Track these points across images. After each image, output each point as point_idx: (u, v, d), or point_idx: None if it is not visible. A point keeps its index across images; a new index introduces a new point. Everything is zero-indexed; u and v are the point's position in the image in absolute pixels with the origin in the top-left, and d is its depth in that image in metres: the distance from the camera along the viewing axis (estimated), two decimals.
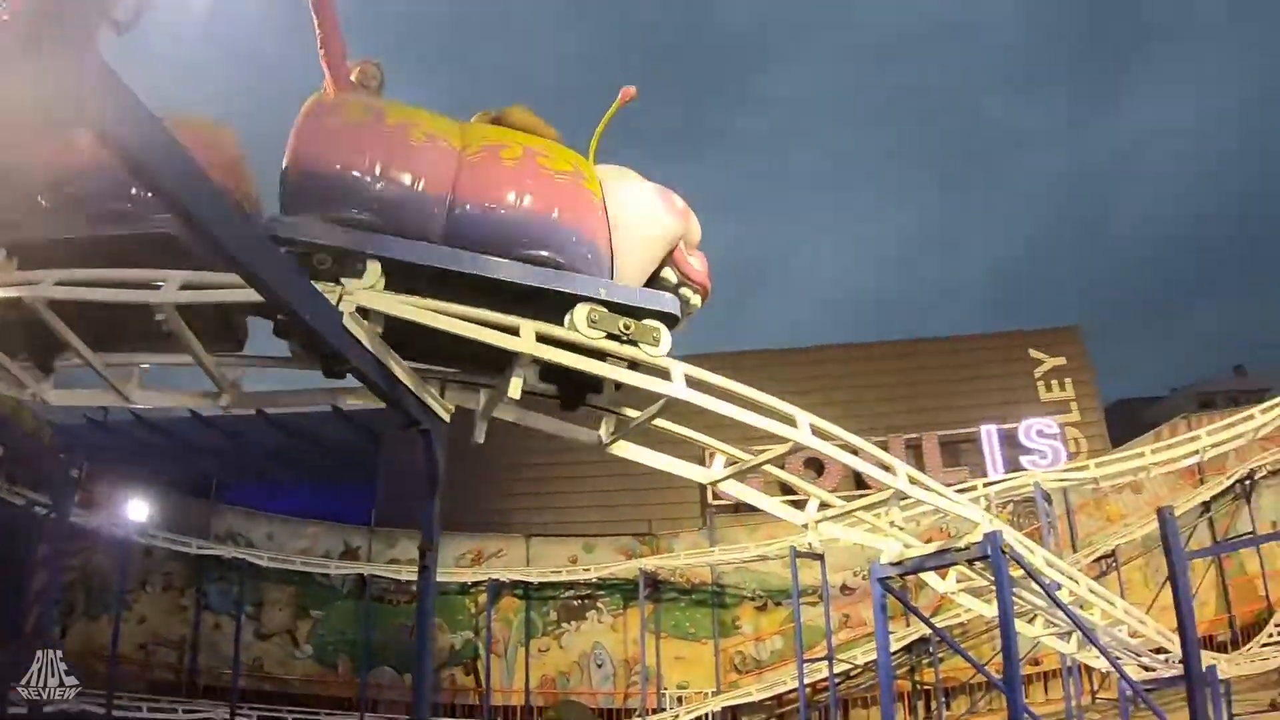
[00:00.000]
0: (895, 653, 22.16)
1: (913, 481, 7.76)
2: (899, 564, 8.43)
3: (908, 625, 21.22)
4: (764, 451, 7.64)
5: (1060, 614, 8.98)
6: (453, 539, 24.47)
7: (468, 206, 5.96)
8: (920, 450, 27.82)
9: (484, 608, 24.36)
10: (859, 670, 21.65)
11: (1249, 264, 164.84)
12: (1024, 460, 27.34)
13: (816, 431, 7.01)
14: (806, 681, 18.46)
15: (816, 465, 23.28)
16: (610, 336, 6.23)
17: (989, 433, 28.37)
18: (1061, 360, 31.22)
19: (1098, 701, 21.71)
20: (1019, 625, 10.26)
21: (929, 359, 31.01)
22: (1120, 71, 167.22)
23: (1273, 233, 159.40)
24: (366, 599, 23.88)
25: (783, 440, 7.02)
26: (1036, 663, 22.51)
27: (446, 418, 6.51)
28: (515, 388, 5.98)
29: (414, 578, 20.73)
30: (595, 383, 6.87)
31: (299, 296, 4.66)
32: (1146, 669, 11.63)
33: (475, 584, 24.51)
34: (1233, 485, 25.68)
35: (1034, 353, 31.21)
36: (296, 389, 7.07)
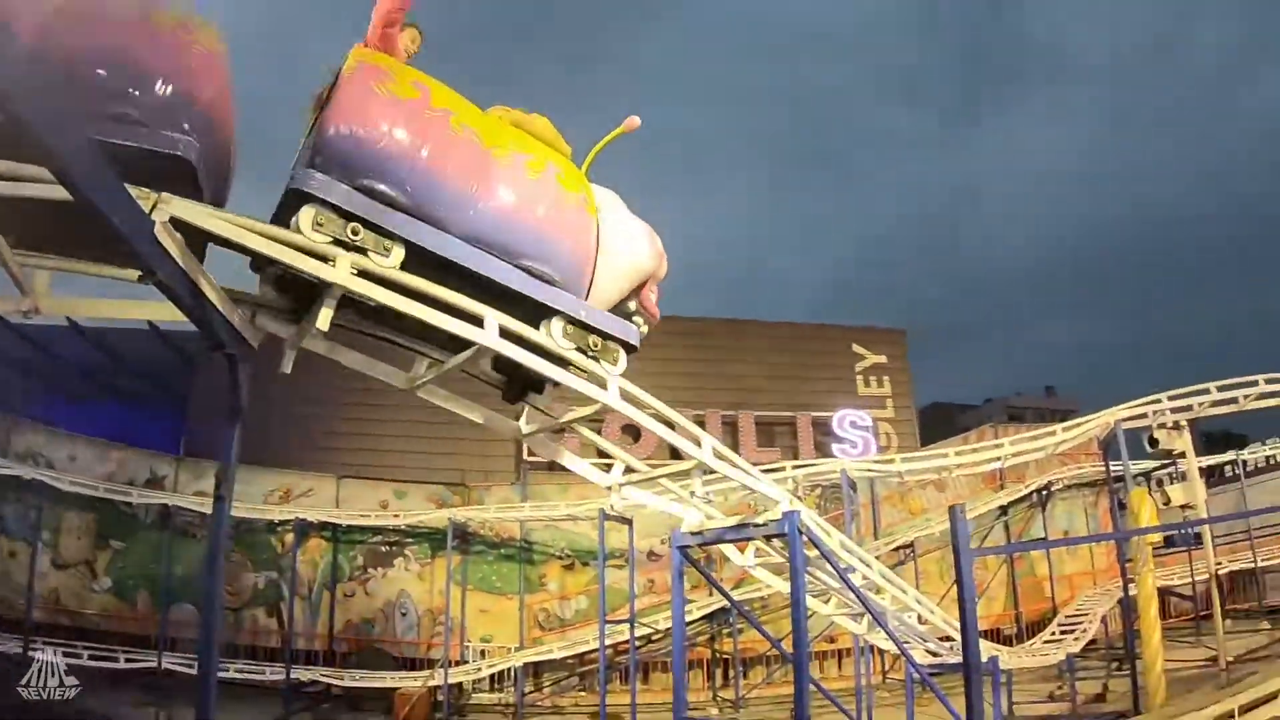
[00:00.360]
0: (696, 621, 22.55)
1: (718, 455, 7.74)
2: (699, 534, 8.46)
3: (710, 595, 21.50)
4: (573, 410, 7.57)
5: (853, 596, 9.07)
6: (263, 474, 23.43)
7: (489, 209, 6.13)
8: (736, 428, 28.39)
9: (290, 548, 23.39)
10: (660, 635, 21.80)
11: (1072, 294, 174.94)
12: (835, 449, 28.33)
13: (626, 396, 6.91)
14: (608, 643, 18.47)
15: (633, 432, 23.37)
16: (578, 349, 6.70)
17: (805, 419, 29.21)
18: (883, 359, 32.41)
19: (888, 681, 22.56)
20: (814, 603, 10.41)
21: (756, 341, 31.45)
22: (994, 98, 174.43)
23: (1097, 266, 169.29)
24: (170, 531, 22.58)
25: (592, 401, 6.86)
26: (832, 640, 23.21)
27: (254, 344, 6.20)
28: (324, 319, 5.70)
29: None
30: (540, 383, 7.26)
31: (110, 199, 4.26)
32: (933, 654, 11.96)
33: (282, 522, 23.34)
34: (1030, 494, 27.53)
35: (857, 348, 32.26)
36: (112, 299, 6.45)
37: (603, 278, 6.85)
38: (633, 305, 7.22)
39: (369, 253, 5.66)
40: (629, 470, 8.28)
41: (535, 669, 22.86)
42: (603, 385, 6.91)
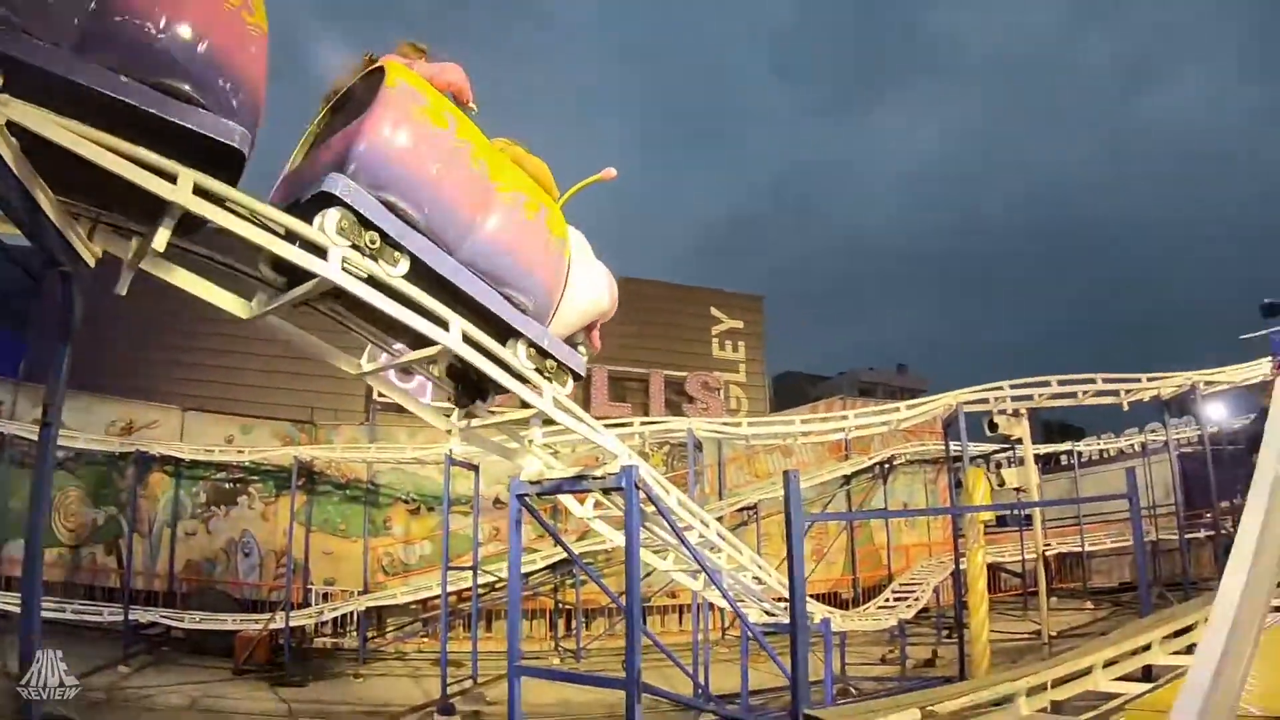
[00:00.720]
0: (540, 570, 22.53)
1: (558, 405, 7.70)
2: (538, 483, 8.40)
3: (554, 545, 21.50)
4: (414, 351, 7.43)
5: (689, 553, 9.21)
6: (105, 404, 22.41)
7: (487, 239, 6.71)
8: (590, 382, 28.27)
9: (131, 482, 22.53)
10: (503, 583, 21.73)
11: (931, 280, 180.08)
12: (686, 408, 28.51)
13: (468, 339, 6.78)
14: (452, 589, 18.29)
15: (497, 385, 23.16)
16: (536, 370, 7.50)
17: (658, 377, 29.44)
18: (739, 324, 32.80)
19: (727, 637, 22.94)
20: (652, 559, 10.51)
21: None
22: (877, 84, 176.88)
23: (957, 256, 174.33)
24: (5, 462, 21.41)
25: (433, 343, 6.74)
26: (674, 595, 23.54)
27: (91, 261, 5.93)
28: (161, 239, 5.46)
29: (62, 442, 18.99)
30: (485, 391, 7.90)
31: None
32: (769, 614, 12.22)
33: (123, 455, 22.20)
34: (873, 466, 28.37)
35: (716, 312, 32.58)
36: None
37: (566, 312, 7.69)
38: (580, 337, 8.22)
39: (379, 260, 6.05)
40: (469, 415, 8.22)
41: (378, 614, 22.36)
42: (445, 327, 6.83)
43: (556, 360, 7.71)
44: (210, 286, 6.35)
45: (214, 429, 23.48)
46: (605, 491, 8.60)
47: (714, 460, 25.74)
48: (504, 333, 7.23)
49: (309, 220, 5.80)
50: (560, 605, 24.07)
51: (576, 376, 8.06)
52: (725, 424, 22.51)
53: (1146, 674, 6.91)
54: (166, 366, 26.32)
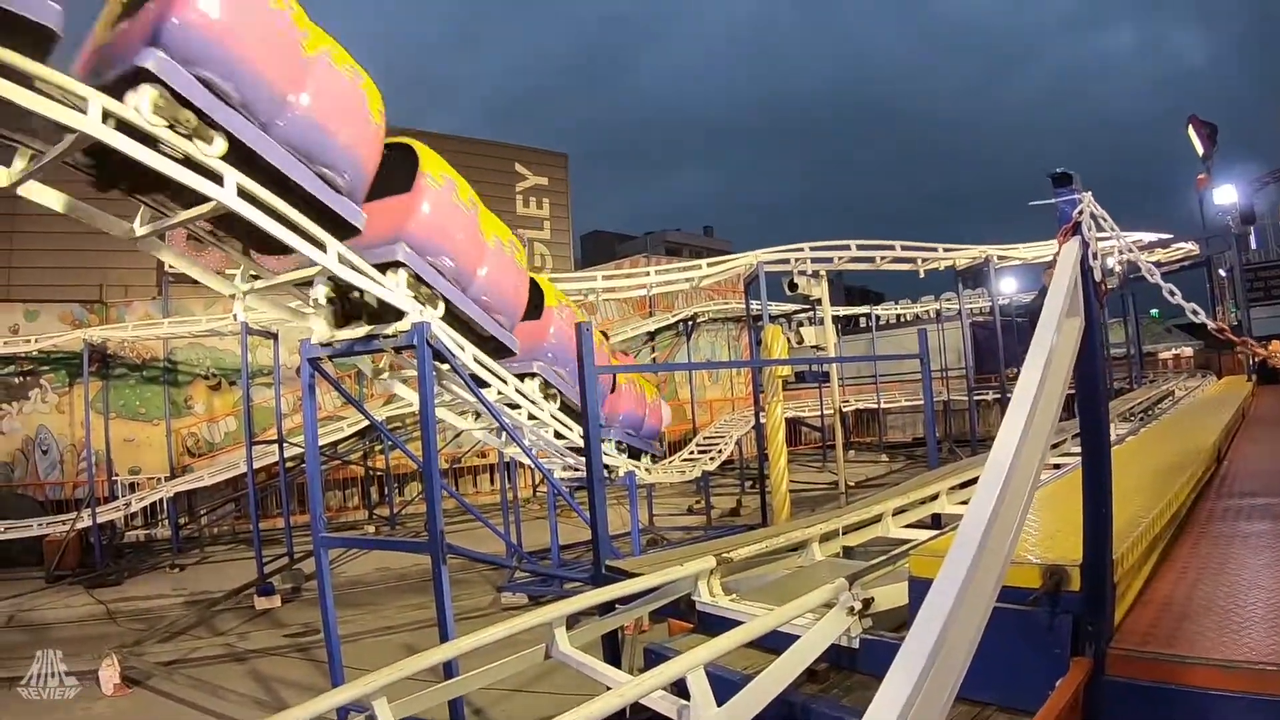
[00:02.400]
0: (349, 438, 22.15)
1: (342, 261, 7.29)
2: (329, 345, 8.03)
3: (362, 414, 21.02)
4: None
5: (488, 410, 9.07)
6: None
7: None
8: None
9: None
10: None
11: (742, 146, 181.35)
12: None
13: (244, 192, 6.31)
14: (260, 465, 17.71)
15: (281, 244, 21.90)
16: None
17: None
18: (544, 180, 32.28)
19: (539, 495, 23.22)
20: (453, 418, 10.35)
21: None
22: None
23: (769, 127, 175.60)
24: None
25: (206, 199, 6.29)
26: (484, 455, 23.61)
27: None
28: None
29: None
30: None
31: None
32: (574, 469, 12.27)
33: None
34: (676, 323, 28.80)
35: (519, 168, 31.86)
36: None
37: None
38: None
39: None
40: (255, 277, 7.81)
41: (189, 499, 21.53)
42: (219, 181, 6.39)
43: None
44: None
45: None
46: (399, 351, 8.30)
47: None
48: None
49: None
50: (372, 472, 23.76)
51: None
52: None
53: (935, 522, 7.20)
54: None
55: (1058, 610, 3.28)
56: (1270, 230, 41.35)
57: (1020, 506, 2.32)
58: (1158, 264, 19.05)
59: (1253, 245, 38.26)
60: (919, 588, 3.70)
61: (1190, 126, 39.92)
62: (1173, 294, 3.68)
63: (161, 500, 20.30)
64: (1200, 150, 38.73)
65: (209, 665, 11.03)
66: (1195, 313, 3.75)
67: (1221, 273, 32.40)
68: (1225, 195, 33.03)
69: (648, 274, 22.19)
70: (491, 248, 9.05)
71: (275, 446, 16.68)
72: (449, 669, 5.05)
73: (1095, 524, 3.23)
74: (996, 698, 3.39)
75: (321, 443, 20.01)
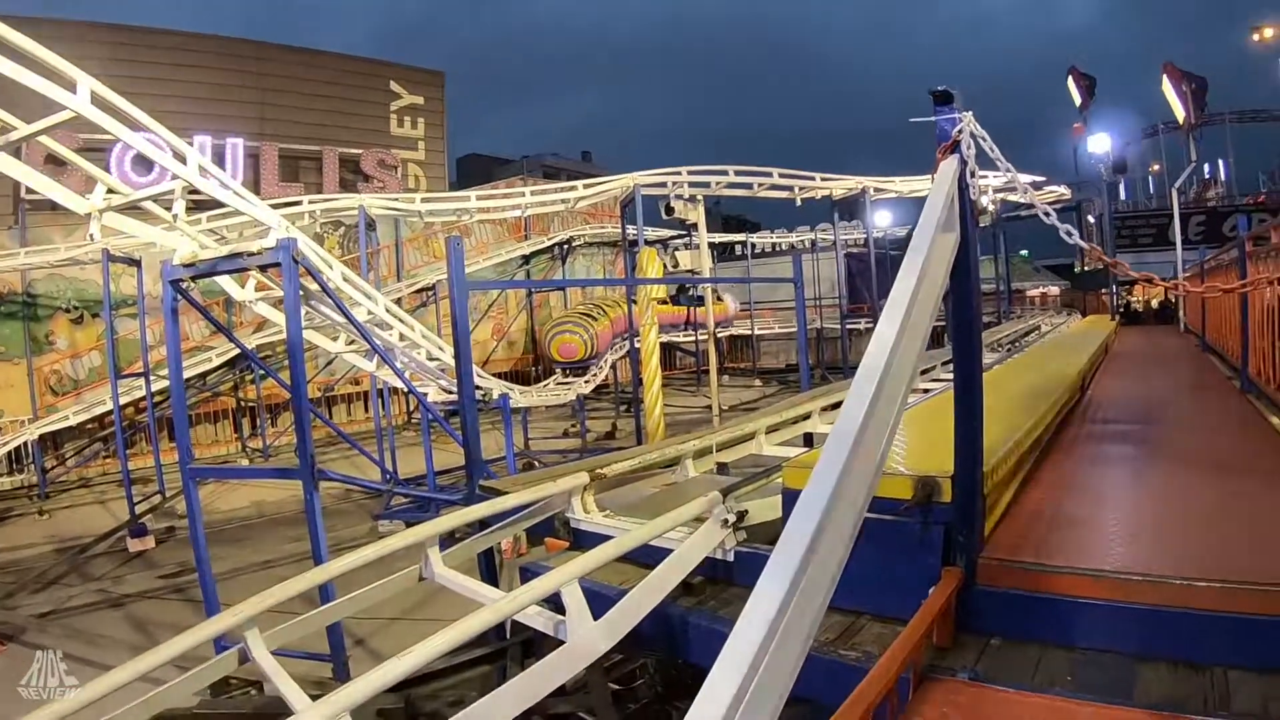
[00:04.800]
0: (218, 368, 21.41)
1: (204, 173, 6.92)
2: (192, 265, 7.62)
3: (230, 341, 20.21)
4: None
5: (357, 331, 8.84)
6: None
7: None
8: (259, 160, 26.31)
9: None
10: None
11: (625, 71, 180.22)
12: (361, 187, 27.15)
13: (98, 101, 5.92)
14: (127, 401, 16.91)
15: (146, 164, 20.77)
16: None
17: (330, 153, 27.78)
18: (419, 100, 31.37)
19: (414, 421, 22.97)
20: (322, 340, 10.08)
21: (286, 68, 28.79)
22: None
23: (653, 52, 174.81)
24: None
25: (60, 107, 5.90)
26: (357, 383, 23.18)
27: None
28: None
29: None
30: None
31: None
32: (446, 391, 12.10)
33: None
34: (552, 247, 28.65)
35: (395, 86, 30.88)
36: None
37: None
38: None
39: None
40: (112, 193, 7.34)
41: (54, 441, 20.21)
42: (72, 89, 6.04)
43: None
44: None
45: None
46: (264, 270, 7.96)
47: (391, 241, 25.09)
48: None
49: None
50: (243, 404, 23.07)
51: None
52: (398, 200, 21.65)
53: (807, 441, 7.31)
54: None
55: (930, 521, 3.33)
56: (1139, 182, 43.39)
57: (893, 413, 2.31)
58: (1030, 205, 19.91)
59: (1122, 195, 39.98)
60: (792, 498, 3.70)
61: (1070, 77, 41.25)
62: (1070, 234, 3.87)
63: (26, 443, 18.97)
64: (1078, 101, 40.09)
65: (84, 613, 10.65)
66: (1070, 233, 3.83)
67: (1090, 219, 33.70)
68: (1099, 144, 34.25)
69: (523, 194, 21.86)
70: None
71: (142, 381, 15.96)
72: (324, 597, 4.94)
73: (966, 436, 3.27)
74: (871, 607, 3.45)
75: (190, 374, 19.43)
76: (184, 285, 7.91)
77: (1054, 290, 43.43)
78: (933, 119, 3.27)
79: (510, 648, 4.80)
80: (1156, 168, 42.79)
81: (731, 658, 1.58)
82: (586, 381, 20.07)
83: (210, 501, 15.62)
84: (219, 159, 23.53)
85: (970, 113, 3.24)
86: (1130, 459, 5.26)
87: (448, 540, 4.26)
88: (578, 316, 23.64)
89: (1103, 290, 26.81)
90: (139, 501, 14.74)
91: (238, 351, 19.62)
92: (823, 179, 23.05)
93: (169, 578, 11.94)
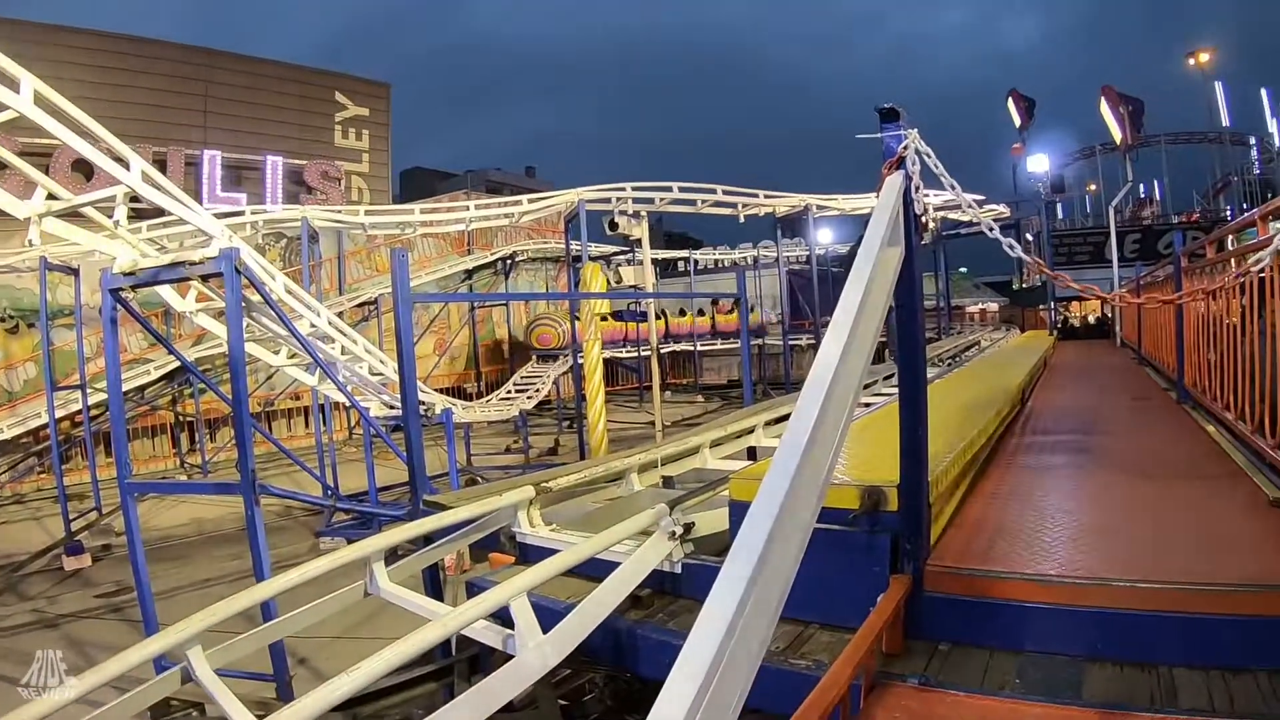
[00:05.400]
0: (156, 382, 20.97)
1: (146, 179, 6.80)
2: (132, 274, 7.45)
3: (169, 354, 19.86)
4: None
5: (301, 345, 8.73)
6: None
7: None
8: (200, 168, 25.83)
9: None
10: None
11: (570, 88, 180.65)
12: (304, 199, 26.84)
13: (41, 102, 5.81)
14: (63, 414, 16.53)
15: (86, 169, 20.41)
16: None
17: (274, 163, 27.48)
18: (365, 111, 31.11)
19: (356, 436, 22.72)
20: (264, 353, 9.95)
21: (231, 76, 28.24)
22: None
23: (600, 70, 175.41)
24: None
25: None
26: (298, 398, 22.87)
27: None
28: None
29: None
30: None
31: None
32: (389, 406, 11.99)
33: None
34: (495, 262, 28.58)
35: (340, 97, 30.62)
36: None
37: None
38: None
39: None
40: (51, 198, 7.16)
41: None
42: (15, 87, 5.92)
43: None
44: None
45: None
46: (206, 280, 7.81)
47: (333, 254, 24.83)
48: None
49: None
50: (182, 418, 22.63)
51: None
52: (342, 212, 21.48)
53: (750, 455, 7.35)
54: None
55: (877, 529, 3.38)
56: (1076, 202, 44.45)
57: (841, 423, 2.33)
58: (969, 223, 20.17)
59: (1059, 214, 40.86)
60: (740, 510, 3.74)
61: (1010, 99, 42.09)
62: (1012, 248, 3.89)
63: None
64: (1018, 122, 40.90)
65: (18, 634, 10.35)
66: (1012, 246, 3.88)
67: (1029, 236, 34.33)
68: (1038, 164, 34.99)
69: (467, 209, 21.80)
70: None
71: (78, 393, 15.59)
72: (267, 614, 4.86)
73: (912, 444, 3.32)
74: (819, 616, 3.48)
75: (127, 387, 18.97)
76: (124, 295, 7.73)
77: (993, 306, 44.29)
78: (879, 135, 3.33)
79: (457, 664, 4.75)
80: (1093, 187, 43.94)
81: (686, 669, 1.57)
82: (529, 397, 20.00)
83: (148, 519, 15.29)
84: (160, 166, 23.12)
85: (915, 130, 3.30)
86: (1072, 467, 5.35)
87: (392, 557, 4.22)
88: (554, 315, 24.61)
89: (1041, 306, 27.30)
90: (75, 518, 14.34)
91: (176, 365, 19.28)
92: (766, 196, 23.20)
93: (106, 597, 11.67)
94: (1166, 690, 2.68)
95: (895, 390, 8.22)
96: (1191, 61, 40.72)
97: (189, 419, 22.43)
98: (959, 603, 3.20)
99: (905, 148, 3.25)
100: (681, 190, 21.22)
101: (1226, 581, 2.96)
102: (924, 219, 3.42)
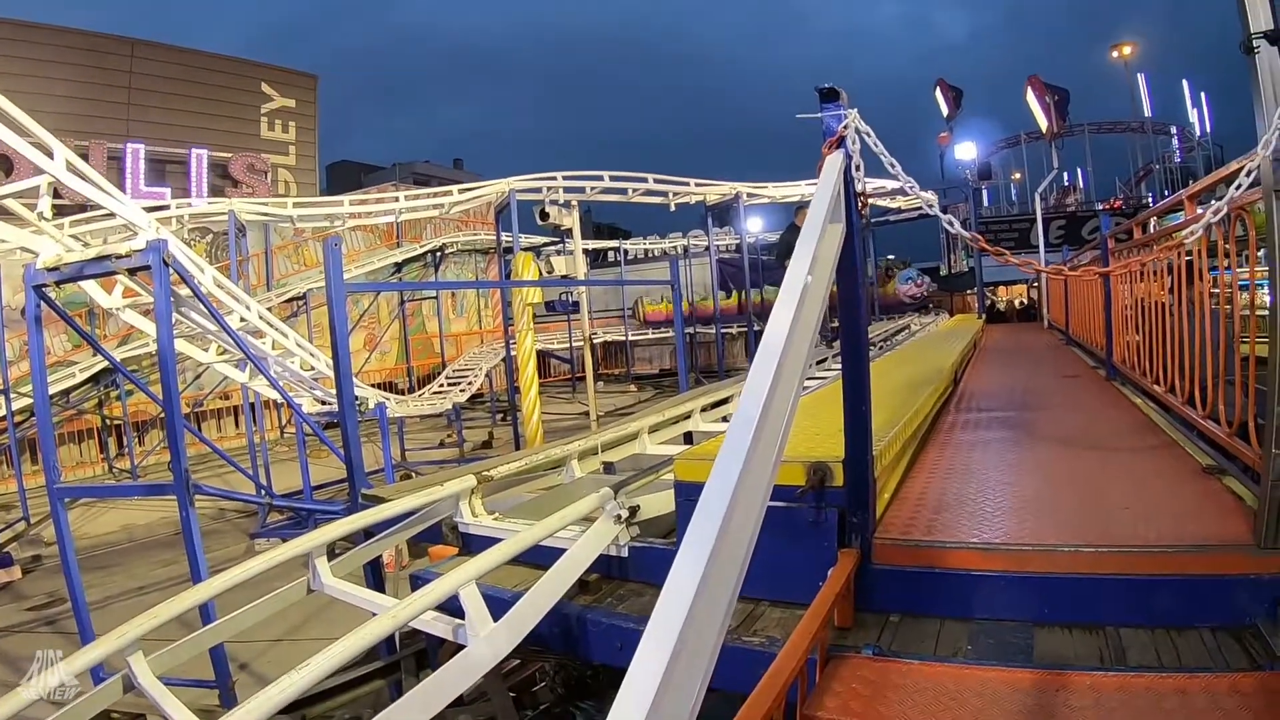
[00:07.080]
0: (82, 384, 20.44)
1: (71, 169, 6.60)
2: (57, 269, 7.22)
3: (95, 355, 19.41)
4: None
5: (231, 339, 8.56)
6: None
7: None
8: (123, 161, 25.48)
9: None
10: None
11: (497, 80, 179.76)
12: (230, 192, 26.51)
13: None
14: None
15: (6, 164, 19.97)
16: None
17: (199, 156, 27.04)
18: (291, 103, 30.75)
19: (288, 435, 22.39)
20: (193, 350, 9.76)
21: (152, 66, 27.76)
22: None
23: (529, 62, 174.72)
24: None
25: None
26: (227, 396, 22.46)
27: None
28: None
29: None
30: None
31: None
32: (323, 402, 11.81)
33: None
34: (425, 254, 28.36)
35: (266, 88, 30.18)
36: None
37: None
38: None
39: None
40: None
41: None
42: None
43: None
44: None
45: None
46: (133, 274, 7.59)
47: (261, 249, 24.42)
48: None
49: None
50: (109, 421, 22.07)
51: None
52: (269, 204, 21.22)
53: (688, 439, 7.37)
54: None
55: (824, 505, 3.40)
56: (1002, 188, 45.24)
57: (791, 398, 2.32)
58: (898, 210, 20.51)
59: (985, 201, 41.52)
60: (686, 491, 3.76)
61: (938, 88, 42.62)
62: (951, 224, 4.02)
63: None
64: (945, 111, 41.38)
65: None
66: (951, 223, 4.04)
67: (954, 221, 34.77)
68: (966, 152, 35.45)
69: (397, 200, 21.65)
70: None
71: (1, 398, 15.16)
72: (206, 617, 4.76)
73: (855, 421, 3.36)
74: (769, 593, 3.49)
75: (52, 390, 18.45)
76: (48, 291, 7.49)
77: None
78: (819, 115, 3.35)
79: (404, 660, 4.70)
80: (1019, 175, 44.76)
81: (651, 650, 1.56)
82: (462, 390, 19.85)
83: (77, 526, 14.88)
84: (82, 157, 22.59)
85: (855, 110, 3.33)
86: (1010, 441, 5.43)
87: (330, 555, 4.15)
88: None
89: (969, 291, 27.69)
90: (2, 529, 13.99)
91: (102, 366, 18.88)
92: (697, 184, 23.26)
93: (39, 609, 11.32)
94: (1115, 650, 2.75)
95: (831, 373, 8.31)
96: (1115, 54, 41.65)
97: (116, 422, 21.89)
98: (907, 574, 3.24)
99: (845, 127, 3.28)
100: (613, 179, 21.23)
101: (1168, 543, 3.04)
102: (862, 199, 3.45)
